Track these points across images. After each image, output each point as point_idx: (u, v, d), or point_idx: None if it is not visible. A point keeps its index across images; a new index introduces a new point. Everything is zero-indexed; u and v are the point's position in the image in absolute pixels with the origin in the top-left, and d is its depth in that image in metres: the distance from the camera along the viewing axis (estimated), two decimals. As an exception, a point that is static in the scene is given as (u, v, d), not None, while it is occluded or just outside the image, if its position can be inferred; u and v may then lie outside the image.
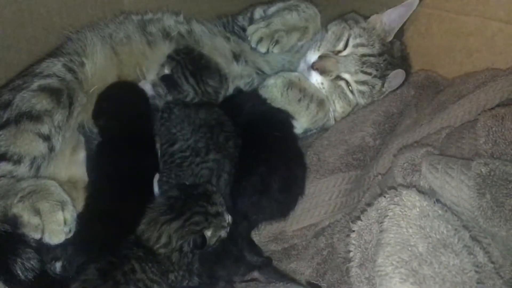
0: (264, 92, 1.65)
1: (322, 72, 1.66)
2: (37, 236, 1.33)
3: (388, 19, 1.71)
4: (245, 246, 1.41)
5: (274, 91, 1.64)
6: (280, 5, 1.79)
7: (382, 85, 1.68)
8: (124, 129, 1.56)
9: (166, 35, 1.76)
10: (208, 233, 1.33)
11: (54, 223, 1.33)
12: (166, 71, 1.64)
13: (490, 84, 1.48)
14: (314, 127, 1.72)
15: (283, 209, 1.51)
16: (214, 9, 2.02)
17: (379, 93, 1.70)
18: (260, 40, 1.69)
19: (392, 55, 1.72)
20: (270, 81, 1.65)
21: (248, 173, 1.48)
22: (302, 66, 1.72)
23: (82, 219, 1.41)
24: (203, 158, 1.50)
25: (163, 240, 1.29)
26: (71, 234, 1.37)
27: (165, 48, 1.73)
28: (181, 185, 1.42)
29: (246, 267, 1.37)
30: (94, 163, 1.54)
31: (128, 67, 1.71)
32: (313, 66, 1.67)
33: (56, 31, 1.76)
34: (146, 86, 1.68)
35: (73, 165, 1.60)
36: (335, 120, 1.72)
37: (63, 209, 1.35)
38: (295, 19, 1.71)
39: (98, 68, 1.67)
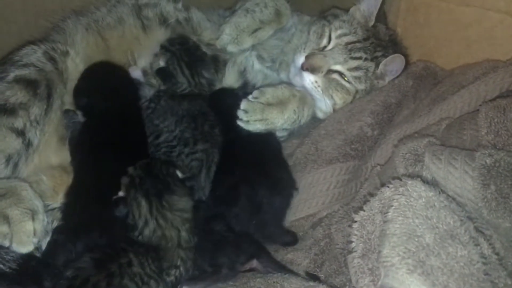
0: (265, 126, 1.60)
1: (313, 70, 1.64)
2: (5, 243, 1.29)
3: (366, 6, 1.72)
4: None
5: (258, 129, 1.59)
6: (244, 3, 1.79)
7: (376, 67, 1.67)
8: (108, 106, 1.54)
9: (163, 21, 1.74)
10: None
11: (23, 234, 1.30)
12: (161, 63, 1.62)
13: (490, 75, 1.48)
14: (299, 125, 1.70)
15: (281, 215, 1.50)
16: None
17: (374, 76, 1.68)
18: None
19: (379, 38, 1.72)
20: (252, 123, 1.57)
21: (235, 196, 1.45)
22: (293, 70, 1.71)
23: (69, 197, 1.40)
24: (192, 149, 1.49)
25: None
26: (39, 244, 1.34)
27: (160, 35, 1.72)
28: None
29: (245, 255, 1.35)
30: (80, 141, 1.51)
31: (118, 52, 1.69)
32: (302, 67, 1.65)
33: (47, 16, 1.72)
34: (136, 73, 1.67)
35: (62, 151, 1.57)
36: (334, 111, 1.70)
37: (33, 219, 1.32)
38: (248, 22, 1.73)
39: (82, 56, 1.64)
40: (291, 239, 1.46)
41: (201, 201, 1.46)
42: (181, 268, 1.30)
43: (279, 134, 1.68)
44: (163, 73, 1.60)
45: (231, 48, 1.73)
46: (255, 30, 1.74)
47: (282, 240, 1.45)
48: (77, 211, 1.38)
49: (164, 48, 1.63)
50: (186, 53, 1.62)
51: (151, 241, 1.28)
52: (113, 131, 1.50)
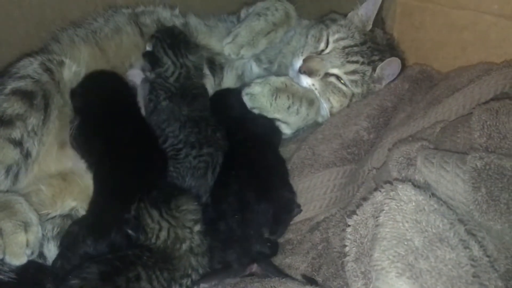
0: (251, 102, 1.63)
1: (310, 73, 1.67)
2: None
3: (364, 11, 1.74)
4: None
5: (262, 101, 1.62)
6: (253, 8, 1.84)
7: (373, 71, 1.69)
8: (103, 107, 1.57)
9: (162, 26, 1.77)
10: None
11: (15, 245, 1.31)
12: (148, 48, 1.67)
13: (484, 78, 1.48)
14: (305, 125, 1.73)
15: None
16: (205, 4, 2.02)
17: (371, 79, 1.70)
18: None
19: (376, 42, 1.74)
20: (256, 89, 1.62)
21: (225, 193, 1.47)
22: (291, 73, 1.74)
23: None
24: (198, 152, 1.52)
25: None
26: (34, 256, 1.35)
27: None
28: None
29: (249, 258, 1.37)
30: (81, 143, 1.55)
31: (116, 61, 1.71)
32: (300, 70, 1.68)
33: (48, 26, 1.74)
34: (135, 72, 1.71)
35: (62, 159, 1.58)
36: (332, 114, 1.72)
37: (26, 231, 1.33)
38: (262, 25, 1.77)
39: (80, 66, 1.66)
40: (268, 251, 1.43)
41: (207, 205, 1.49)
42: (193, 277, 1.31)
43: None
44: (149, 56, 1.64)
45: (245, 51, 1.76)
46: (269, 33, 1.79)
47: (259, 250, 1.41)
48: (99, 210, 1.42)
49: (152, 36, 1.68)
50: (169, 36, 1.66)
51: (167, 245, 1.29)
52: (110, 131, 1.54)
